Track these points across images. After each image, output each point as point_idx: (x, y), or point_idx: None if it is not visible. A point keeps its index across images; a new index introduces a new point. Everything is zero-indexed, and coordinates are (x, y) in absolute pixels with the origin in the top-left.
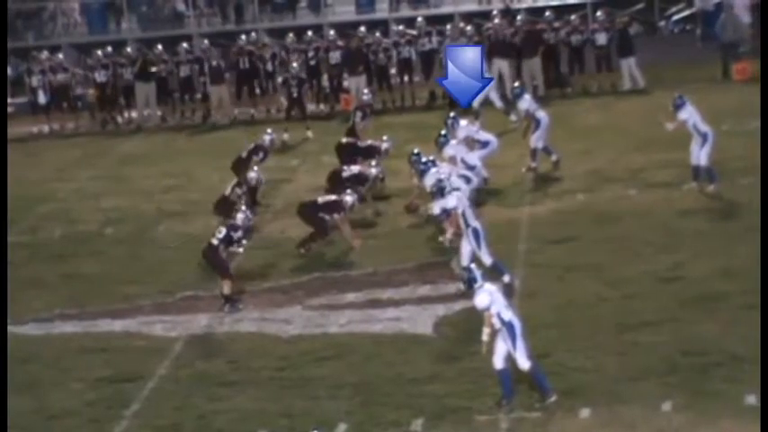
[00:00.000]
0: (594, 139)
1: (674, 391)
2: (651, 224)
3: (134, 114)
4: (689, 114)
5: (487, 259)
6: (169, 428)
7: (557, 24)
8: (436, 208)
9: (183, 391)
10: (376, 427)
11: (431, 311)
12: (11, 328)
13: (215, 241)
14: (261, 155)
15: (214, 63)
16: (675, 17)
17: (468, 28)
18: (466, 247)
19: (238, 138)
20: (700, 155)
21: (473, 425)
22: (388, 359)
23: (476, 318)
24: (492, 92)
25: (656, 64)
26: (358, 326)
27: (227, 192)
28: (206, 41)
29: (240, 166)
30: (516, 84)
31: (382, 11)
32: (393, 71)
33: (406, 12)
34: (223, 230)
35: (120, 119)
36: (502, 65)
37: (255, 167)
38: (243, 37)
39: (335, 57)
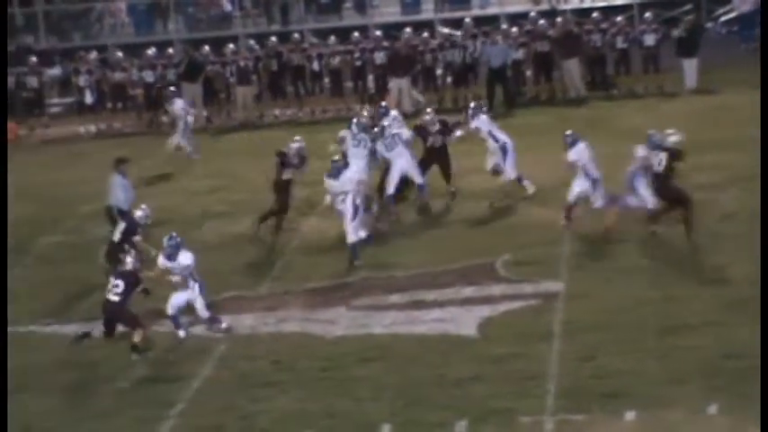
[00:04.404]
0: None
1: (718, 395)
2: (695, 227)
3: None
4: (578, 155)
5: None
6: (213, 429)
7: (603, 26)
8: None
9: (227, 391)
10: (419, 428)
11: (475, 313)
12: (56, 328)
13: (115, 297)
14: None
15: (242, 64)
16: (723, 18)
17: (514, 29)
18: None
19: (282, 138)
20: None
21: (517, 426)
22: (431, 360)
23: (521, 319)
24: None
25: (703, 66)
26: (402, 327)
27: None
28: (252, 42)
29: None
30: (475, 103)
31: (428, 12)
32: (439, 72)
33: (451, 13)
34: (119, 283)
35: (165, 119)
36: (572, 64)
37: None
38: (273, 38)
39: (380, 57)
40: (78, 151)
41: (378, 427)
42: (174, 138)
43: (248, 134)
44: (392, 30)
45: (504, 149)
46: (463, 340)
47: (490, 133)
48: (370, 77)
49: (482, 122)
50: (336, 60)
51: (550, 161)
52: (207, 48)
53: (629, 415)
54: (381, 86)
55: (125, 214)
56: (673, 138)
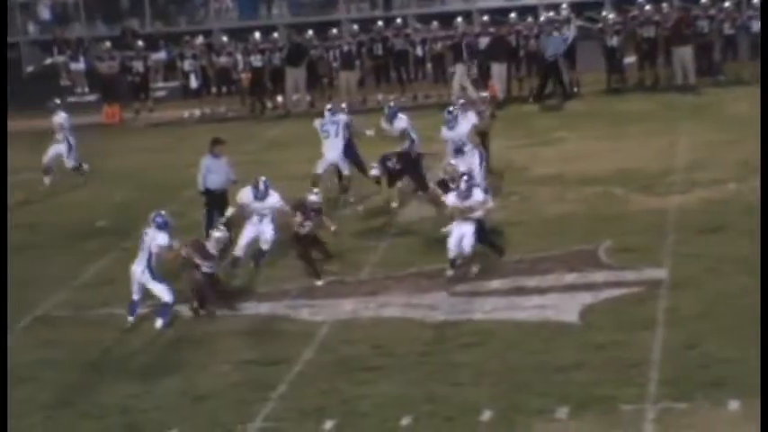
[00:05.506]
0: (746, 128)
1: None
2: None
3: (280, 99)
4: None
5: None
6: (314, 412)
7: (711, 12)
8: None
9: (328, 375)
10: (520, 414)
11: (577, 299)
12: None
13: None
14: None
15: (345, 48)
16: None
17: (611, 16)
18: None
19: None
20: None
21: (618, 414)
22: (532, 347)
23: (623, 307)
24: None
25: None
26: (503, 313)
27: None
28: (355, 26)
29: None
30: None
31: None
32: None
33: None
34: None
35: (269, 104)
36: (685, 52)
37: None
38: (379, 23)
39: (485, 43)
40: (182, 136)
41: (479, 412)
42: (48, 155)
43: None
44: (496, 15)
45: (482, 156)
46: (565, 327)
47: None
48: (474, 63)
49: (465, 126)
50: (439, 46)
51: (655, 148)
52: (310, 32)
53: (733, 404)
54: (485, 72)
55: (209, 192)
56: None
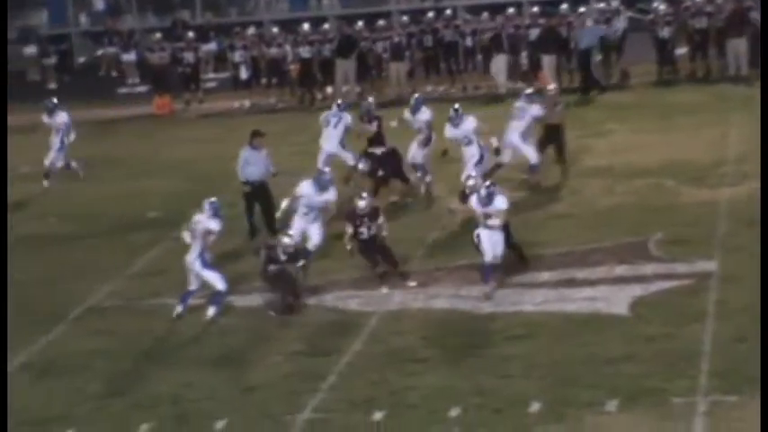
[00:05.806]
0: None
1: None
2: None
3: (330, 90)
4: None
5: None
6: (363, 403)
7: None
8: None
9: (377, 366)
10: (569, 406)
11: (627, 292)
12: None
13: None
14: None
15: (396, 40)
16: None
17: (662, 7)
18: None
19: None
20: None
21: (669, 407)
22: (582, 339)
23: (674, 299)
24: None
25: None
26: (552, 305)
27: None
28: (405, 18)
29: None
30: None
31: None
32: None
33: None
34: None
35: (318, 95)
36: (740, 43)
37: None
38: (429, 14)
39: (535, 34)
40: (232, 126)
41: (527, 404)
42: (50, 156)
43: (400, 110)
44: (546, 6)
45: (482, 157)
46: (615, 319)
47: (476, 137)
48: (524, 54)
49: (470, 123)
50: (487, 37)
51: (706, 139)
52: (360, 23)
53: None
54: (535, 63)
55: (250, 184)
56: None
